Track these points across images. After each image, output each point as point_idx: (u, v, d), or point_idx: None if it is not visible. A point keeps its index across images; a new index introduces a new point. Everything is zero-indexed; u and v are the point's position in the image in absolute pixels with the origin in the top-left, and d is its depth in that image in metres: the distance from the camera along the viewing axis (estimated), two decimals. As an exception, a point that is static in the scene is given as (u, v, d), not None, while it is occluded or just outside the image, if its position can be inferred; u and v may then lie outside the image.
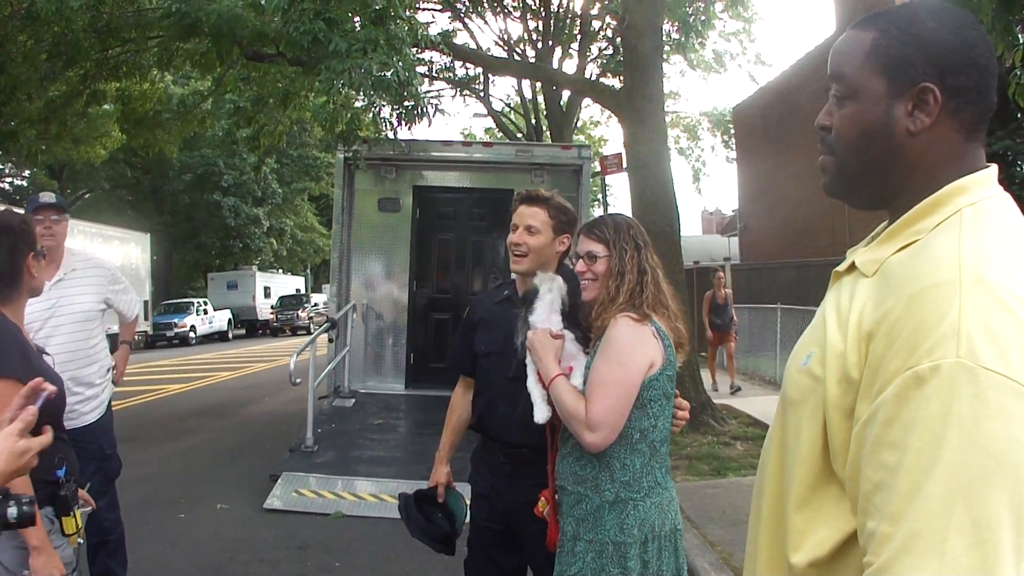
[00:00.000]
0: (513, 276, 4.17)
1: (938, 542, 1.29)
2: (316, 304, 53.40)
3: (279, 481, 9.41)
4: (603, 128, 52.41)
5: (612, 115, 17.05)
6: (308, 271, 70.56)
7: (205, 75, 18.04)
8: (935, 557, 1.28)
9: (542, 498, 3.63)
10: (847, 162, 1.69)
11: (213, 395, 19.09)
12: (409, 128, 12.68)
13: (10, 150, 18.37)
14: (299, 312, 51.92)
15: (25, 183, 51.59)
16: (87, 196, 53.29)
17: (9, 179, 51.65)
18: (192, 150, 47.37)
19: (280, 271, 62.55)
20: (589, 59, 27.93)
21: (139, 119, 18.15)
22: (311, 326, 48.92)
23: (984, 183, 1.58)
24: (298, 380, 10.39)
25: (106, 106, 18.31)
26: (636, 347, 3.21)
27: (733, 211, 45.10)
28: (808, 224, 27.31)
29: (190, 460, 11.73)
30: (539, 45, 27.30)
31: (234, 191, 51.66)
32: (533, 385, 3.54)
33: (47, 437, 2.36)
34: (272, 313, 52.01)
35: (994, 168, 1.62)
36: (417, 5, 20.68)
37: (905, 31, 1.60)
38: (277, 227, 57.96)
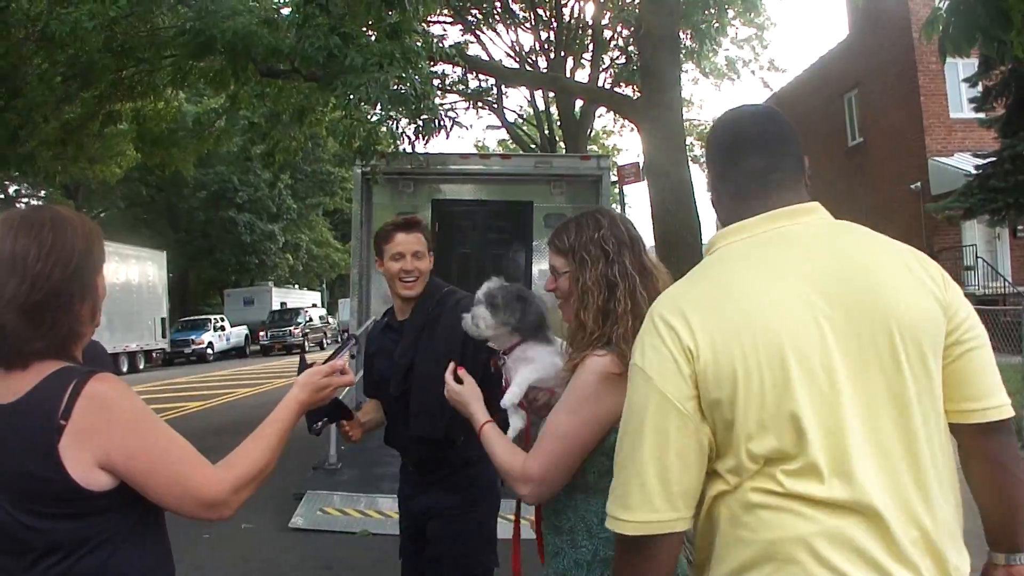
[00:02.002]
0: (392, 305, 4.48)
1: None
2: (311, 319, 51.33)
3: (303, 500, 9.36)
4: (616, 137, 52.34)
5: (626, 124, 16.99)
6: (324, 286, 70.72)
7: (219, 92, 18.06)
8: None
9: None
10: None
11: (233, 412, 19.06)
12: (426, 141, 12.65)
13: (27, 171, 18.43)
14: (292, 328, 48.69)
15: (41, 203, 51.83)
16: (103, 215, 53.51)
17: (25, 199, 51.89)
18: (206, 167, 47.48)
19: (296, 286, 62.65)
20: (601, 69, 27.92)
21: (154, 138, 18.20)
22: (306, 344, 47.12)
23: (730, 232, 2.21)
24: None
25: (121, 126, 18.31)
26: (602, 398, 2.66)
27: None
28: (826, 229, 27.20)
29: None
30: (551, 56, 27.31)
31: (249, 207, 51.76)
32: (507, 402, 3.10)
33: (349, 377, 2.87)
34: (262, 329, 49.02)
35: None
36: (429, 18, 20.65)
37: None
38: (292, 243, 58.08)
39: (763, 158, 2.20)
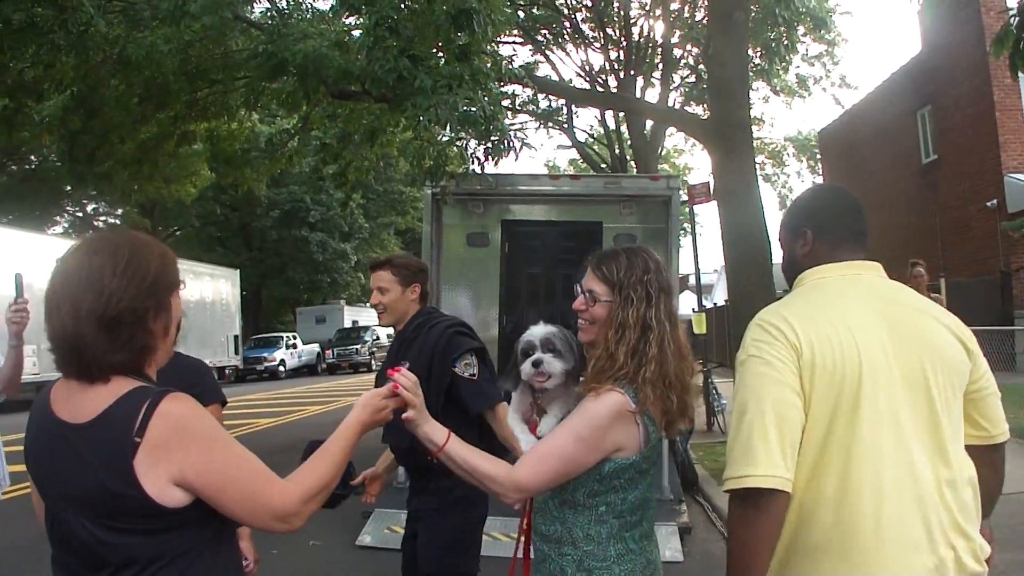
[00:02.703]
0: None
1: None
2: (378, 338, 49.79)
3: (371, 517, 9.40)
4: (687, 156, 52.10)
5: (696, 143, 16.89)
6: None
7: (292, 113, 18.32)
8: None
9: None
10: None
11: (303, 430, 19.21)
12: (496, 162, 12.69)
13: (104, 191, 18.81)
14: (358, 347, 48.90)
15: (118, 221, 52.88)
16: (178, 233, 54.41)
17: (103, 217, 52.96)
18: (279, 187, 48.14)
19: (367, 305, 62.92)
20: (672, 88, 27.83)
21: (227, 158, 18.46)
22: (372, 362, 46.82)
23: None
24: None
25: (196, 146, 18.62)
26: (611, 431, 2.83)
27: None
28: (901, 249, 26.78)
29: (283, 496, 11.79)
30: (621, 75, 27.26)
31: (321, 226, 52.25)
32: (515, 421, 3.28)
33: (408, 397, 2.93)
34: (328, 348, 49.06)
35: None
36: (498, 39, 20.75)
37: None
38: (364, 262, 58.46)
39: (860, 224, 2.96)
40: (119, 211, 48.98)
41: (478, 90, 11.17)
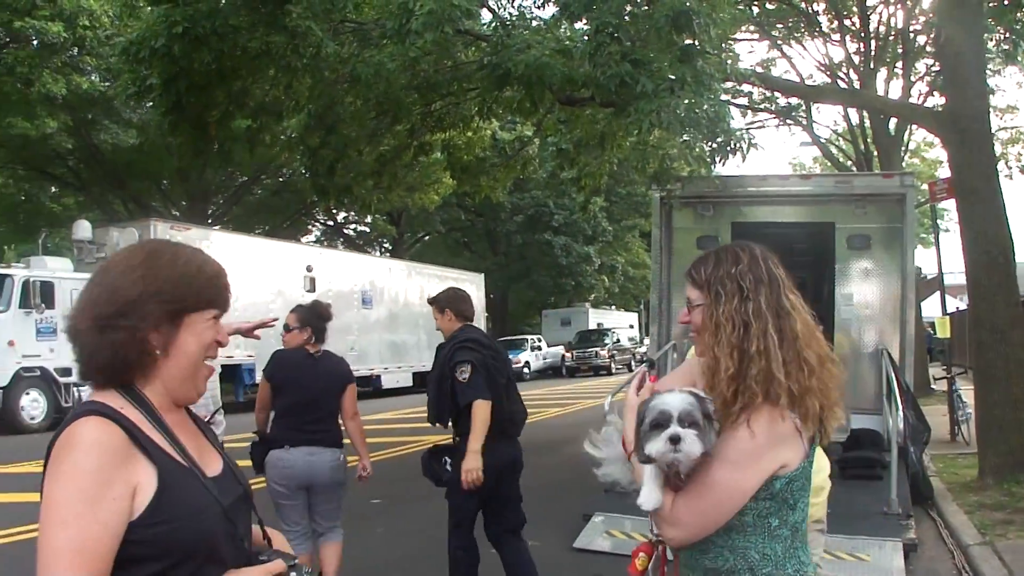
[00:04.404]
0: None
1: None
2: (619, 340, 50.89)
3: (591, 521, 9.49)
4: (938, 150, 49.84)
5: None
6: (642, 306, 71.04)
7: (526, 120, 18.63)
8: None
9: (641, 554, 2.93)
10: None
11: (540, 432, 19.46)
12: (722, 164, 12.56)
13: (346, 202, 19.62)
14: (598, 350, 48.64)
15: (368, 229, 55.15)
16: (426, 239, 56.18)
17: (353, 225, 55.32)
18: (522, 192, 49.02)
19: (613, 308, 63.26)
20: (916, 77, 26.69)
21: (463, 166, 18.91)
22: (611, 365, 47.28)
23: None
24: (610, 417, 10.42)
25: (434, 156, 19.18)
26: (767, 451, 2.59)
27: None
28: None
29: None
30: (861, 68, 26.34)
31: (564, 230, 52.76)
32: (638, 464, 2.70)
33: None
34: (568, 351, 48.84)
35: None
36: (733, 37, 20.42)
37: None
38: (608, 264, 58.72)
39: None
40: (367, 219, 51.03)
41: (702, 92, 11.07)
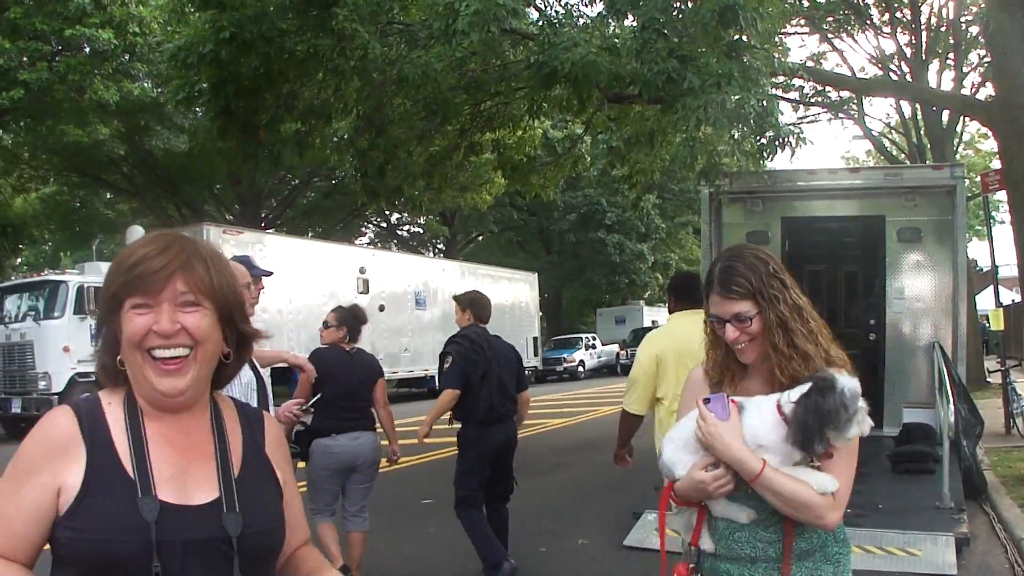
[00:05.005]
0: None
1: None
2: None
3: (641, 519, 9.43)
4: (992, 141, 49.04)
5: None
6: (697, 303, 70.65)
7: (576, 119, 18.58)
8: None
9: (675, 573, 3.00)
10: None
11: (592, 429, 19.49)
12: (771, 159, 12.47)
13: (397, 203, 19.68)
14: None
15: (421, 230, 55.40)
16: (479, 239, 56.28)
17: (406, 227, 55.56)
18: (575, 190, 48.91)
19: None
20: (968, 68, 26.33)
21: (514, 165, 18.86)
22: None
23: None
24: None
25: (487, 155, 19.12)
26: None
27: None
28: None
29: (560, 494, 12.08)
30: (912, 60, 26.05)
31: (618, 228, 52.48)
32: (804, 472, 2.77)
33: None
34: (622, 348, 48.17)
35: None
36: (782, 32, 20.27)
37: None
38: (662, 262, 58.39)
39: None
40: (420, 220, 51.23)
41: (749, 87, 10.99)
